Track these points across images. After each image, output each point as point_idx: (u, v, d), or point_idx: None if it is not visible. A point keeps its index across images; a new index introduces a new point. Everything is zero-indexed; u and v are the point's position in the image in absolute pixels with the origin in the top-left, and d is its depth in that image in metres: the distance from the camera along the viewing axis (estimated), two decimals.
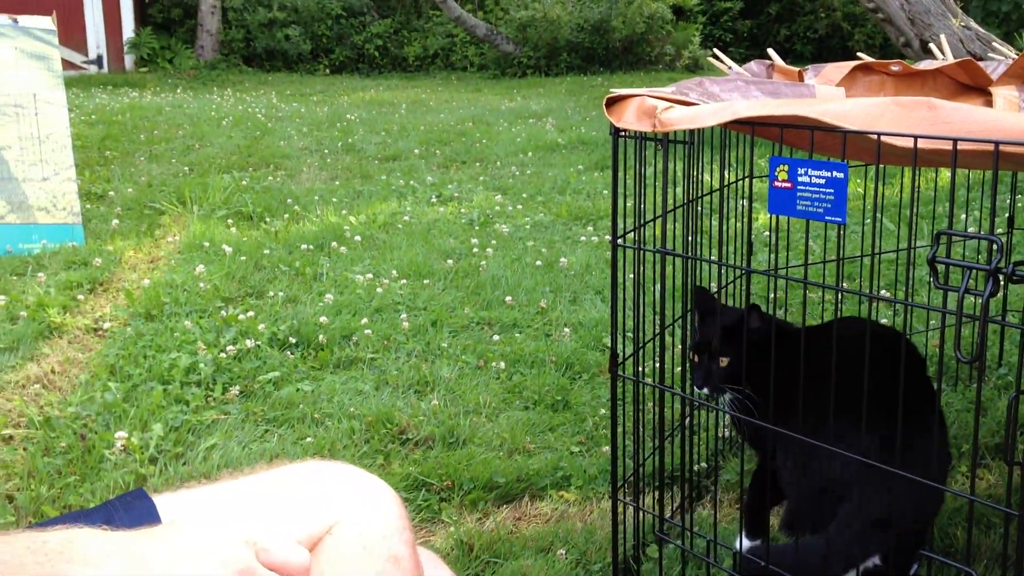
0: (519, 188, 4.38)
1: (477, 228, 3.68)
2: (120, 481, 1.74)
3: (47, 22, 3.62)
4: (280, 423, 2.02)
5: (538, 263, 3.15)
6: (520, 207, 4.01)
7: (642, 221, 1.38)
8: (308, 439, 1.93)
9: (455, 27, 10.92)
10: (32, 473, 1.77)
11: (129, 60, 9.96)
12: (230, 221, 3.71)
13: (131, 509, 0.76)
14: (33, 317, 2.57)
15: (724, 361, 1.41)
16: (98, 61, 9.85)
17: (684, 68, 10.62)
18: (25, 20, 3.58)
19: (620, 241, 1.36)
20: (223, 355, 2.31)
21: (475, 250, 3.33)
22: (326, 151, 5.33)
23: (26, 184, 3.36)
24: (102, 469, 1.79)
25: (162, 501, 0.78)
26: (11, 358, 2.33)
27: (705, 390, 1.43)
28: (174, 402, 2.08)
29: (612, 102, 1.32)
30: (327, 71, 10.69)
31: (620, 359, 1.41)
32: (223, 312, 2.63)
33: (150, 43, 9.91)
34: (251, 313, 2.59)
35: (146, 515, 0.76)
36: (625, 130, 1.30)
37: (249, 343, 2.38)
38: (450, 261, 3.18)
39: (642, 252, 1.38)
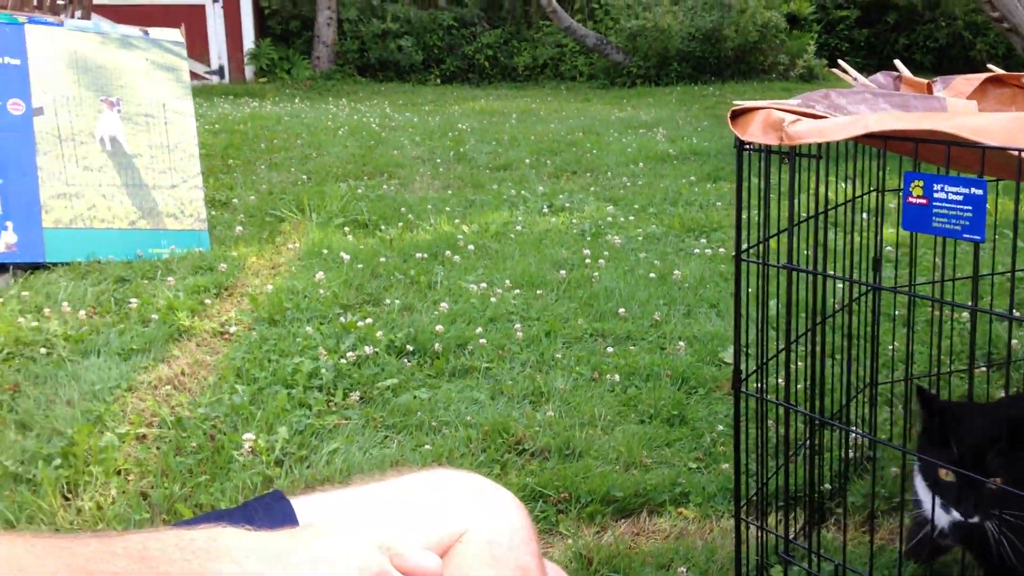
0: (630, 199, 4.37)
1: (589, 239, 3.68)
2: (248, 482, 1.80)
3: (176, 35, 3.76)
4: (399, 429, 2.06)
5: (651, 275, 3.14)
6: (632, 218, 3.99)
7: (767, 235, 1.37)
8: (426, 446, 1.96)
9: (565, 37, 10.95)
10: (165, 471, 1.84)
11: (249, 71, 10.26)
12: (347, 229, 3.79)
13: (271, 510, 0.79)
14: (164, 320, 2.67)
15: (996, 480, 1.19)
16: (220, 72, 10.18)
17: (798, 78, 10.44)
18: (156, 33, 3.73)
19: (744, 255, 1.35)
20: (343, 361, 2.36)
21: (587, 261, 3.33)
22: (438, 160, 5.41)
23: (156, 191, 3.49)
24: (231, 469, 1.85)
25: (298, 503, 0.80)
26: (144, 359, 2.42)
27: (975, 519, 1.21)
28: (298, 406, 2.13)
29: (736, 115, 1.31)
30: (438, 81, 10.84)
31: (743, 375, 1.40)
32: (342, 318, 2.69)
33: (269, 54, 10.20)
34: (369, 320, 2.64)
35: (285, 516, 0.78)
36: (750, 143, 1.29)
37: (368, 350, 2.43)
38: (563, 272, 3.19)
39: (766, 267, 1.37)
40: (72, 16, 4.14)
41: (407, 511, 0.80)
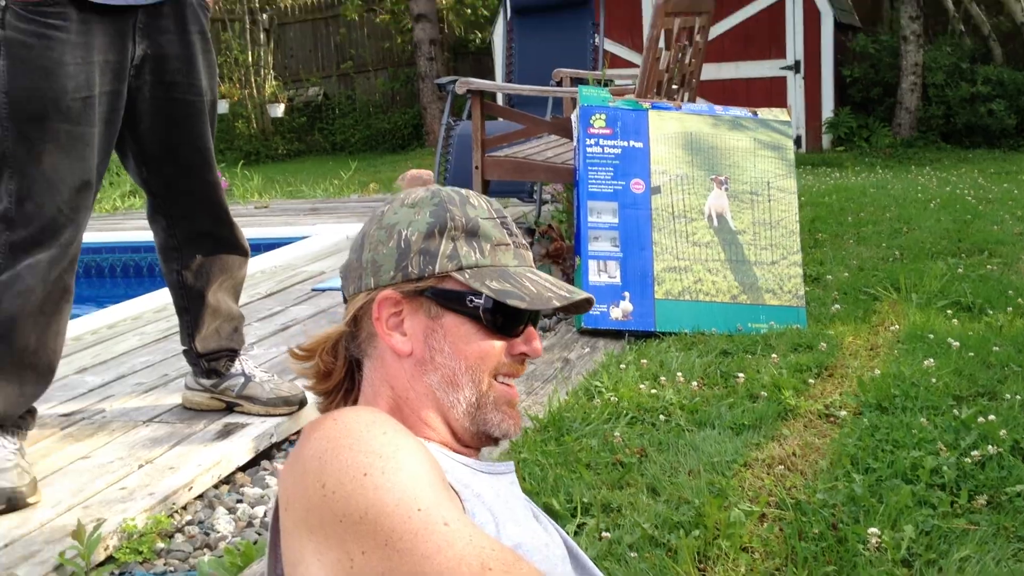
0: None
1: None
2: None
3: (783, 114, 3.87)
4: None
5: None
6: None
7: None
8: None
9: None
10: (791, 556, 1.86)
11: (827, 139, 10.27)
12: (949, 312, 3.59)
13: None
14: (771, 397, 2.73)
15: None
16: (797, 141, 10.31)
17: None
18: (764, 113, 3.87)
19: None
20: (966, 460, 2.22)
21: None
22: None
23: (757, 267, 3.60)
24: (857, 563, 1.82)
25: None
26: (755, 435, 2.49)
27: None
28: (920, 503, 2.05)
29: None
30: None
31: None
32: (956, 411, 2.54)
33: (848, 122, 10.12)
34: (991, 417, 2.46)
35: None
36: None
37: (991, 449, 2.26)
38: None
39: None
40: (683, 99, 4.45)
41: None
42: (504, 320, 1.23)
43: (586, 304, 1.29)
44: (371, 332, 1.26)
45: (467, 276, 1.21)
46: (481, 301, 1.21)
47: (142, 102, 2.38)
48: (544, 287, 1.25)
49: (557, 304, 1.23)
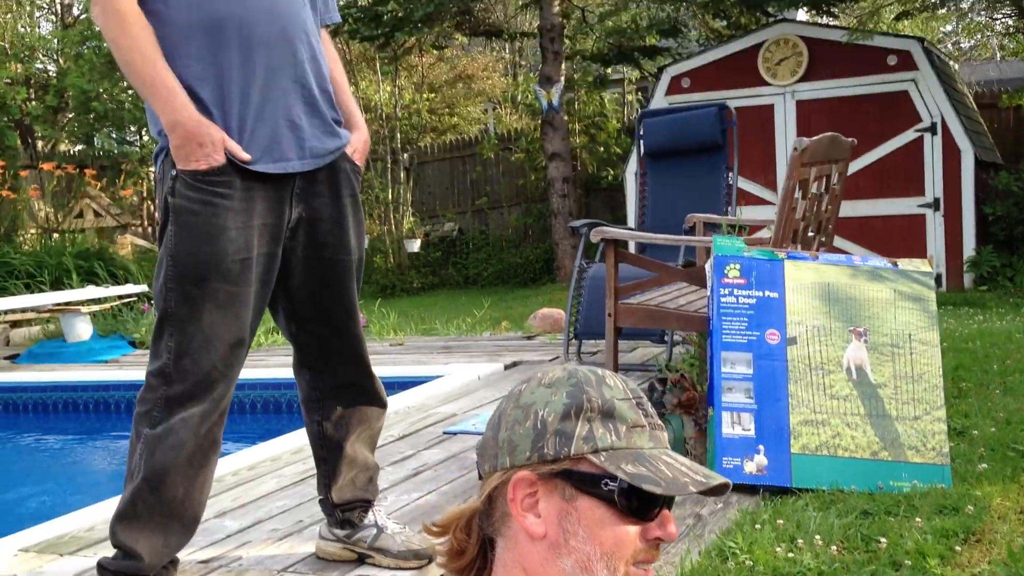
0: None
1: None
2: None
3: (924, 265, 3.79)
4: None
5: None
6: None
7: None
8: None
9: None
10: None
11: (968, 278, 9.96)
12: None
13: None
14: (915, 566, 2.61)
15: None
16: (937, 279, 10.03)
17: None
18: (904, 263, 3.80)
19: None
20: None
21: None
22: None
23: (899, 422, 3.49)
24: None
25: None
26: None
27: None
28: None
29: None
30: None
31: None
32: None
33: (990, 261, 9.81)
34: None
35: None
36: None
37: None
38: None
39: None
40: (819, 246, 4.42)
41: None
42: (639, 504, 1.23)
43: (723, 488, 1.28)
44: (505, 512, 1.27)
45: (602, 459, 1.23)
46: (616, 485, 1.22)
47: (295, 262, 2.51)
48: (680, 471, 1.25)
49: (693, 490, 1.23)
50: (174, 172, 2.31)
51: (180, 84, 2.28)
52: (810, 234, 4.28)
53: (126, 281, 9.19)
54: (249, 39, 2.34)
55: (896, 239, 10.00)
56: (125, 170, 12.68)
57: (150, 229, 12.68)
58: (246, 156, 2.33)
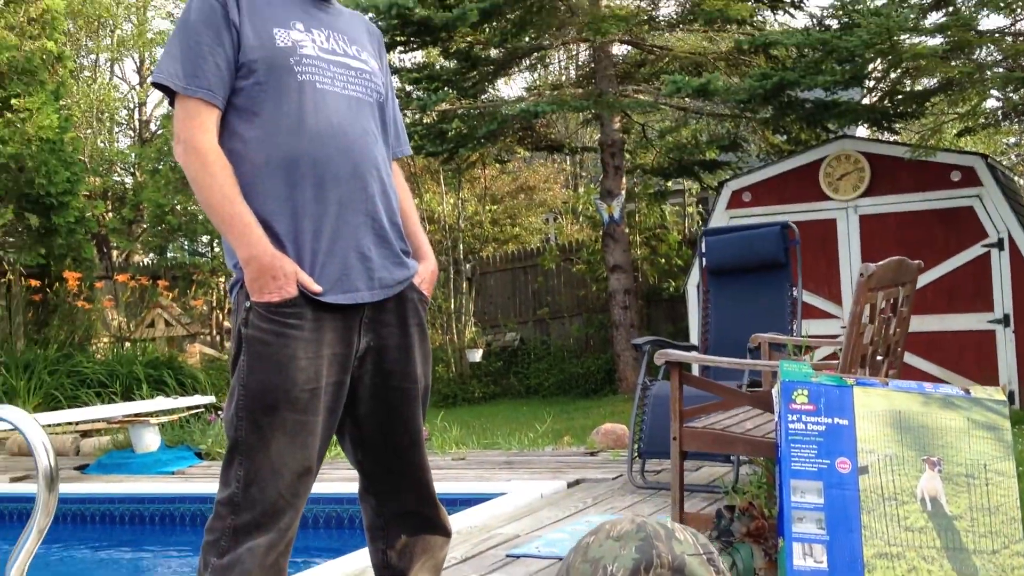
0: None
1: None
2: None
3: (997, 393, 3.71)
4: None
5: None
6: None
7: None
8: None
9: None
10: None
11: None
12: None
13: None
14: None
15: None
16: (1011, 397, 9.78)
17: None
18: (976, 391, 3.72)
19: None
20: None
21: None
22: None
23: (976, 556, 3.37)
24: None
25: None
26: None
27: None
28: None
29: None
30: None
31: None
32: None
33: None
34: None
35: None
36: None
37: None
38: None
39: None
40: (887, 370, 4.35)
41: None
42: None
43: None
44: None
45: None
46: None
47: (362, 389, 2.54)
48: None
49: None
50: (248, 304, 2.37)
51: (256, 220, 2.35)
52: (878, 358, 4.22)
53: (194, 390, 9.34)
54: (323, 176, 2.42)
55: (966, 355, 9.82)
56: (196, 280, 13.02)
57: (219, 338, 12.92)
58: (318, 288, 2.38)
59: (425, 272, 2.69)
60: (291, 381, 2.35)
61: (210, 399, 8.50)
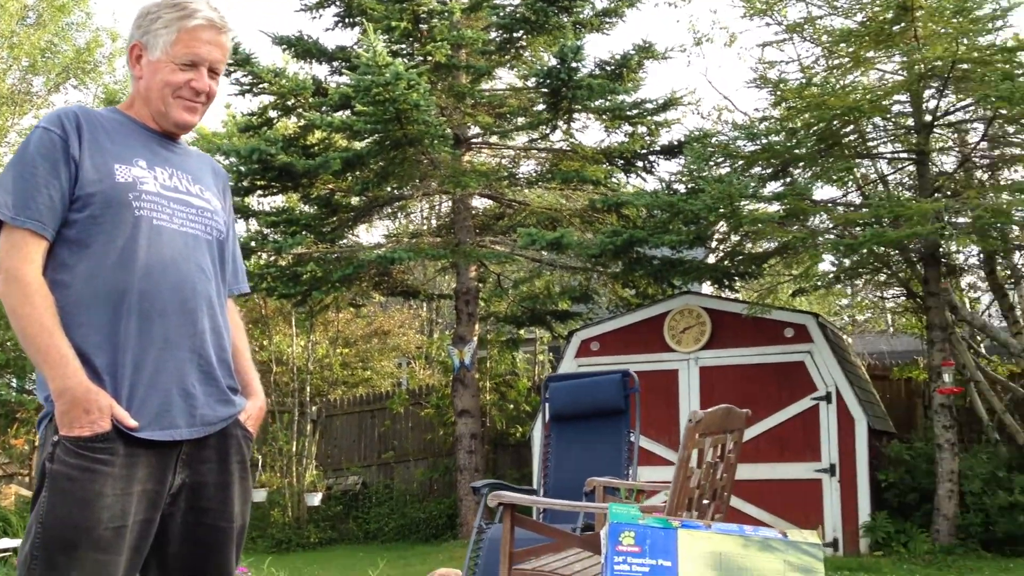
0: None
1: None
2: None
3: (813, 536, 3.85)
4: None
5: None
6: None
7: None
8: None
9: None
10: None
11: (864, 543, 10.05)
12: None
13: None
14: None
15: None
16: (834, 544, 10.11)
17: None
18: (793, 534, 3.85)
19: None
20: None
21: None
22: None
23: None
24: None
25: None
26: None
27: None
28: None
29: None
30: None
31: None
32: None
33: (885, 527, 9.95)
34: None
35: None
36: None
37: None
38: None
39: None
40: (714, 514, 4.47)
41: None
42: None
43: None
44: None
45: None
46: None
47: (173, 527, 2.45)
48: None
49: None
50: (56, 438, 2.29)
51: (74, 353, 2.30)
52: (704, 502, 4.33)
53: (5, 533, 8.74)
54: (149, 311, 2.40)
55: (794, 503, 10.15)
56: (19, 418, 12.35)
57: None
58: (133, 423, 2.32)
59: (252, 409, 2.66)
60: (95, 519, 2.25)
61: (19, 542, 7.98)
